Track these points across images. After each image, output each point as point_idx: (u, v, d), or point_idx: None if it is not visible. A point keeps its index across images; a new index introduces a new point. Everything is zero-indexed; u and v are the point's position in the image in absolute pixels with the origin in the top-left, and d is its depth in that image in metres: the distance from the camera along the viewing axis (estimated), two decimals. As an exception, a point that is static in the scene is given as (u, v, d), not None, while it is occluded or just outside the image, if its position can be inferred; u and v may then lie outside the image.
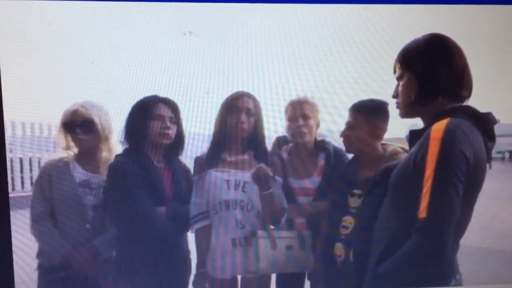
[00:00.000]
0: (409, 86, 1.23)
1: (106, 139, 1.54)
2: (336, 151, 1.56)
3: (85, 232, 1.50)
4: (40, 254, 1.49)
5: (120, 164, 1.47)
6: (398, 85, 1.27)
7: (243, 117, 1.48)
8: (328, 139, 1.57)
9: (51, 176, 1.49)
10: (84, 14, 1.39)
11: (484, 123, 1.18)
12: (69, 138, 1.52)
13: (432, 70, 1.21)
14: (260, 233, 1.46)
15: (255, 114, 1.51)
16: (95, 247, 1.49)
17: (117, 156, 1.50)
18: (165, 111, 1.48)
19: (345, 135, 1.50)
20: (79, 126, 1.50)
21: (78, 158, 1.52)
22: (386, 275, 1.20)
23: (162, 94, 1.49)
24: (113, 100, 1.49)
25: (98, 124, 1.51)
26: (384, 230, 1.25)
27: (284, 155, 1.56)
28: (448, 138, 1.11)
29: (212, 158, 1.51)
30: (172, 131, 1.50)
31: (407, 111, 1.27)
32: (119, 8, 1.41)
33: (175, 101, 1.50)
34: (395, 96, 1.28)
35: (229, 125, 1.49)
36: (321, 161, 1.55)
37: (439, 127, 1.14)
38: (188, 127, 1.54)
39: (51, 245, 1.48)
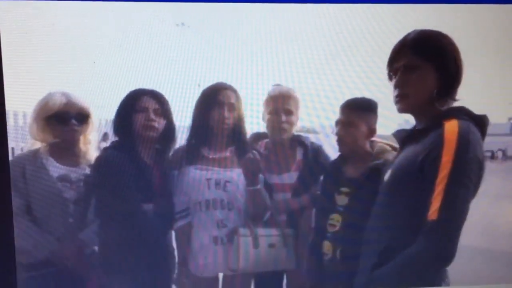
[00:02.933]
0: (428, 79, 1.17)
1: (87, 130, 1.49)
2: (314, 146, 1.51)
3: (69, 226, 1.46)
4: (18, 253, 1.44)
5: (109, 157, 1.43)
6: (403, 76, 1.18)
7: (226, 112, 1.43)
8: (307, 135, 1.53)
9: (25, 170, 1.44)
10: (86, 14, 1.36)
11: (481, 124, 1.16)
12: (50, 130, 1.45)
13: (452, 63, 1.16)
14: (241, 231, 1.43)
15: (238, 109, 1.45)
16: (81, 240, 1.46)
17: (105, 149, 1.46)
18: (149, 103, 1.42)
19: (339, 134, 1.43)
20: (75, 117, 1.44)
21: (52, 151, 1.46)
22: (385, 277, 1.18)
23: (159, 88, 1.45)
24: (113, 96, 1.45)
25: (91, 115, 1.46)
26: (379, 231, 1.24)
27: (261, 150, 1.51)
28: (463, 140, 1.10)
29: (191, 154, 1.46)
30: (159, 124, 1.44)
31: (417, 106, 1.20)
32: (119, 8, 1.38)
33: (164, 93, 1.44)
34: (399, 86, 1.19)
35: (211, 120, 1.44)
36: (298, 156, 1.51)
37: (452, 129, 1.12)
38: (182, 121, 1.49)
39: (31, 242, 1.44)
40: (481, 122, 1.15)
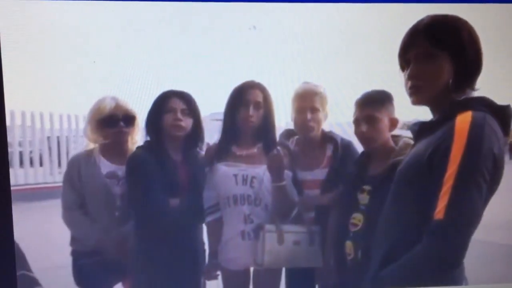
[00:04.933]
0: (444, 69, 1.09)
1: (134, 131, 1.62)
2: (344, 142, 1.50)
3: (115, 219, 1.59)
4: (73, 241, 1.61)
5: (138, 156, 1.53)
6: (416, 66, 1.12)
7: (252, 110, 1.47)
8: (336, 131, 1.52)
9: (80, 169, 1.60)
10: (86, 13, 1.41)
11: (502, 116, 1.06)
12: (102, 132, 1.59)
13: (469, 50, 1.08)
14: (267, 227, 1.45)
15: (265, 106, 1.48)
16: (124, 234, 1.57)
17: (137, 148, 1.57)
18: (177, 104, 1.51)
19: (360, 131, 1.40)
20: (122, 119, 1.57)
21: (104, 150, 1.60)
22: (390, 278, 1.12)
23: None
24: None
25: (137, 117, 1.59)
26: (387, 230, 1.19)
27: (292, 146, 1.53)
28: (475, 133, 1.01)
29: (221, 151, 1.52)
30: (186, 123, 1.52)
31: (432, 98, 1.13)
32: (121, 7, 1.43)
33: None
34: (412, 77, 1.13)
35: (238, 119, 1.49)
36: (328, 152, 1.50)
37: (464, 120, 1.03)
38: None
39: (83, 232, 1.59)
40: (503, 113, 1.06)
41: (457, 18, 1.11)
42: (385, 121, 1.39)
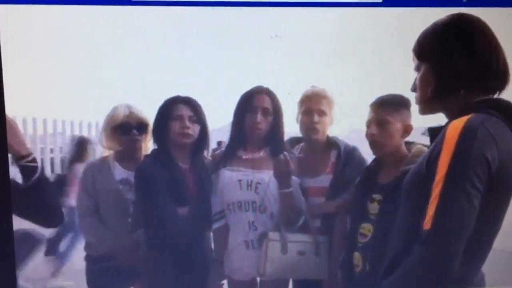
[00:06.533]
0: (426, 78, 1.05)
1: (146, 138, 1.63)
2: (348, 148, 1.45)
3: (127, 225, 1.59)
4: (87, 246, 1.63)
5: (145, 165, 1.53)
6: (416, 78, 1.10)
7: (260, 116, 1.43)
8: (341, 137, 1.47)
9: (94, 175, 1.62)
10: (87, 18, 1.40)
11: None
12: (116, 139, 1.62)
13: (451, 59, 1.02)
14: (271, 235, 1.40)
15: (273, 112, 1.45)
16: (136, 240, 1.57)
17: (145, 156, 1.57)
18: (184, 111, 1.50)
19: (372, 134, 1.35)
20: (135, 127, 1.58)
21: (118, 157, 1.61)
22: None
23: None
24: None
25: (150, 125, 1.60)
26: (393, 241, 1.11)
27: (296, 153, 1.49)
28: (466, 137, 0.92)
29: (227, 156, 1.49)
30: (193, 130, 1.50)
31: (425, 107, 1.09)
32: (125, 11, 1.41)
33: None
34: (414, 89, 1.11)
35: (245, 125, 1.46)
36: (332, 158, 1.45)
37: (457, 124, 0.95)
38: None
39: (96, 237, 1.61)
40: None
41: (447, 25, 1.04)
42: (398, 126, 1.32)
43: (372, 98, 1.36)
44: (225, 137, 1.53)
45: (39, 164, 1.36)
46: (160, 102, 1.51)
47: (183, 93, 1.49)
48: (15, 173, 1.33)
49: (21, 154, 1.32)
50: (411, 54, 1.11)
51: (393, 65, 1.39)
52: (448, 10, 1.10)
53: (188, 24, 1.41)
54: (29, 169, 1.34)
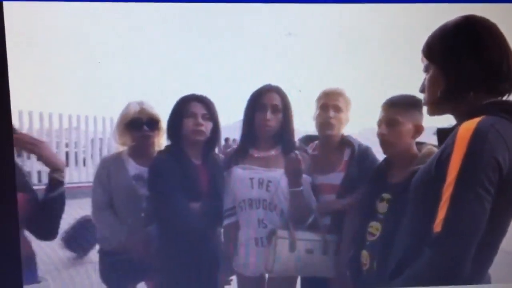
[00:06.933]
0: (435, 80, 1.06)
1: (159, 134, 1.66)
2: (361, 147, 1.45)
3: (140, 220, 1.62)
4: (101, 240, 1.66)
5: (159, 161, 1.55)
6: (425, 79, 1.10)
7: (269, 114, 1.45)
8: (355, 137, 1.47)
9: (109, 170, 1.65)
10: (91, 15, 1.42)
11: None
12: (128, 135, 1.66)
13: (460, 61, 1.02)
14: (280, 232, 1.41)
15: (283, 110, 1.47)
16: (148, 234, 1.60)
17: (158, 152, 1.59)
18: (198, 108, 1.52)
19: (383, 133, 1.35)
20: (146, 123, 1.61)
21: (131, 153, 1.64)
22: None
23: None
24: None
25: (161, 121, 1.63)
26: (400, 240, 1.12)
27: (310, 151, 1.50)
28: (477, 139, 0.93)
29: (239, 154, 1.51)
30: (206, 128, 1.53)
31: (434, 108, 1.10)
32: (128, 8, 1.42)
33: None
34: (422, 90, 1.12)
35: (256, 123, 1.48)
36: (345, 157, 1.46)
37: (468, 126, 0.96)
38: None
39: (110, 231, 1.64)
40: None
41: (456, 27, 1.04)
42: (408, 126, 1.32)
43: (384, 97, 1.36)
44: (233, 134, 1.55)
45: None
46: (176, 99, 1.53)
47: (195, 90, 1.51)
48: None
49: (59, 168, 1.45)
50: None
51: (406, 64, 1.38)
52: (453, 6, 1.10)
53: (201, 21, 1.42)
54: (58, 183, 1.45)
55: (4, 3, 1.27)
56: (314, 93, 1.50)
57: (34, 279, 1.50)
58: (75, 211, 1.79)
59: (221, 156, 1.58)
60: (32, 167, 1.53)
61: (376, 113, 1.38)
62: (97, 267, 1.63)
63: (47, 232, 1.51)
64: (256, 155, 1.50)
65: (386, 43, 1.43)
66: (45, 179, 1.46)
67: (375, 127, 1.38)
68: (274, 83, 1.47)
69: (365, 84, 1.46)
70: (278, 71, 1.47)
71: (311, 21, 1.42)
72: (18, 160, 1.41)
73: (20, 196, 1.39)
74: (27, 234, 1.46)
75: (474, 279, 1.01)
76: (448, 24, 1.06)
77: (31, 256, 1.48)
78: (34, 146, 1.43)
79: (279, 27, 1.43)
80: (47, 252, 1.57)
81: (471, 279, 1.00)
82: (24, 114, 1.65)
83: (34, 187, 1.47)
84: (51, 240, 1.54)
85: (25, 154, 1.46)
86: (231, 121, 1.61)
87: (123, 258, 1.61)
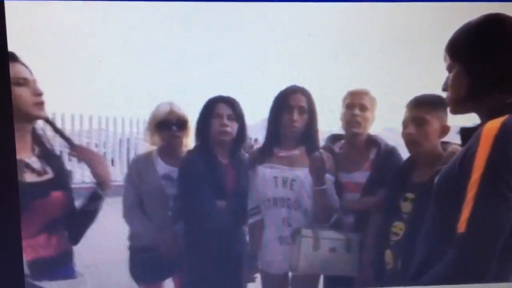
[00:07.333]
0: (459, 79, 1.07)
1: (187, 134, 1.70)
2: (388, 147, 1.46)
3: (168, 218, 1.66)
4: (131, 237, 1.71)
5: (188, 160, 1.59)
6: (448, 77, 1.11)
7: (296, 115, 1.48)
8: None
9: (139, 170, 1.71)
10: (94, 13, 1.42)
11: None
12: (158, 136, 1.71)
13: (485, 60, 1.03)
14: (304, 231, 1.44)
15: (309, 111, 1.49)
16: (175, 232, 1.64)
17: (187, 152, 1.63)
18: (223, 109, 1.56)
19: (407, 132, 1.36)
20: (175, 124, 1.66)
21: (161, 152, 1.68)
22: None
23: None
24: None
25: (190, 122, 1.68)
26: (423, 241, 1.12)
27: (336, 149, 1.51)
28: (502, 138, 0.94)
29: (264, 153, 1.54)
30: (232, 128, 1.56)
31: (457, 107, 1.11)
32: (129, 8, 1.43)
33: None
34: (445, 89, 1.12)
35: (282, 124, 1.50)
36: (371, 156, 1.47)
37: (493, 125, 0.96)
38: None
39: (141, 229, 1.70)
40: None
41: (481, 26, 1.04)
42: (435, 126, 1.32)
43: (406, 97, 1.36)
44: (258, 134, 1.58)
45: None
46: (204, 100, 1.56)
47: (217, 90, 1.53)
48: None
49: (106, 183, 1.53)
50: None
51: (429, 64, 1.37)
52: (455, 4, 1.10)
53: (222, 20, 1.44)
54: (98, 196, 1.52)
55: (6, 2, 1.29)
56: (336, 93, 1.51)
57: (71, 274, 1.55)
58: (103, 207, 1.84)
59: (247, 155, 1.61)
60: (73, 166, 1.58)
61: (396, 113, 1.39)
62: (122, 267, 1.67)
63: (70, 237, 1.55)
64: (280, 154, 1.52)
65: (411, 44, 1.42)
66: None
67: (395, 127, 1.40)
68: (297, 82, 1.49)
69: (390, 85, 1.46)
70: (301, 71, 1.49)
71: (330, 21, 1.43)
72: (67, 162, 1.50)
73: (58, 194, 1.46)
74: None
75: (504, 276, 1.00)
76: (472, 23, 1.06)
77: (68, 252, 1.53)
78: (91, 160, 1.51)
79: (299, 27, 1.44)
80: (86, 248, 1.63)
81: (501, 276, 0.99)
82: (57, 116, 1.72)
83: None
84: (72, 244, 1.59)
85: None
86: (252, 121, 1.64)
87: (152, 255, 1.65)
